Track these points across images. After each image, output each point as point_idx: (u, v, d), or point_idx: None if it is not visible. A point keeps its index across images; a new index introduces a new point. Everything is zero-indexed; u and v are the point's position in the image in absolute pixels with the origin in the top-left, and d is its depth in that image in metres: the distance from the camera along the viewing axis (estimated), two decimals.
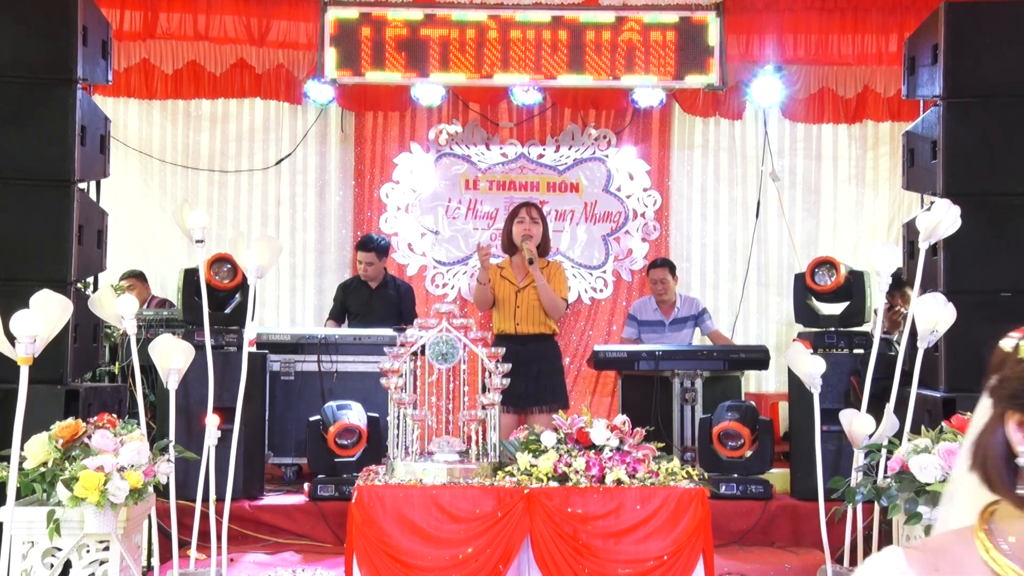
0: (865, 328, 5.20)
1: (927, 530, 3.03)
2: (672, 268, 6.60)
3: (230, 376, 4.46)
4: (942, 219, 3.55)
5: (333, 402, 4.88)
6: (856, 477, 3.56)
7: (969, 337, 3.92)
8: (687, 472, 3.51)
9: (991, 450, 1.13)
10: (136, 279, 6.66)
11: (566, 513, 3.35)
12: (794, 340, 4.54)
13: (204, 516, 3.72)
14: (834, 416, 3.82)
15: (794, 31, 6.97)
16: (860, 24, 6.90)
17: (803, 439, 4.63)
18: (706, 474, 3.78)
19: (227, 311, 4.97)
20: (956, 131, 4.11)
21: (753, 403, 5.12)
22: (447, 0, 6.95)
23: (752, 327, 7.75)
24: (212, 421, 3.63)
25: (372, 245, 6.39)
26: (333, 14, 6.86)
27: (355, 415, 4.78)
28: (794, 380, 4.79)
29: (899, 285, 5.36)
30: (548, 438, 3.53)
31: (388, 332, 5.59)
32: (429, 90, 7.13)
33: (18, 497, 3.00)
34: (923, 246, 3.67)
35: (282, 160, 7.69)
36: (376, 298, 6.38)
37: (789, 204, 7.79)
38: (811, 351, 4.19)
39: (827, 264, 5.16)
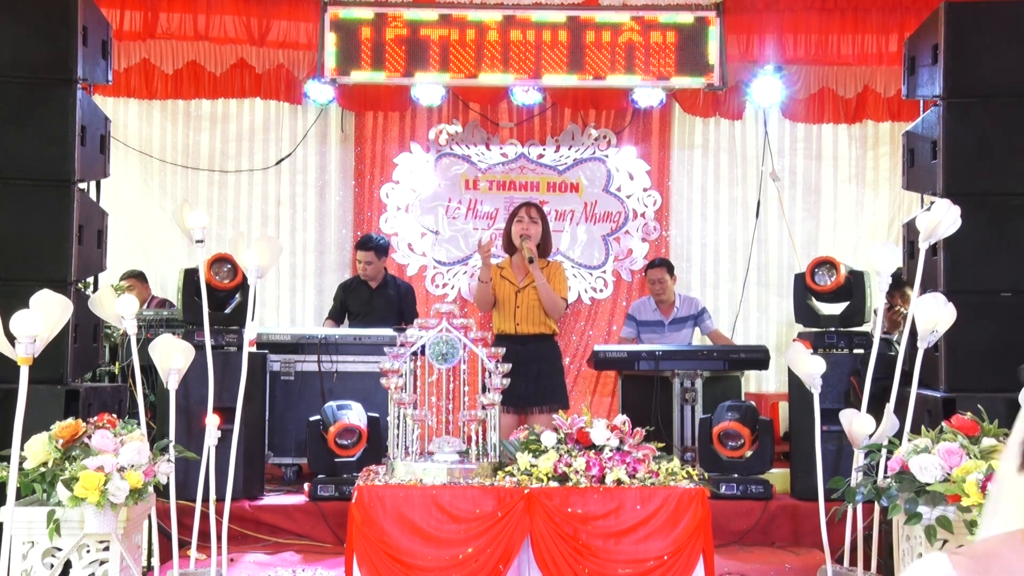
0: (865, 328, 5.20)
1: (928, 530, 3.03)
2: (670, 268, 6.59)
3: (230, 376, 4.46)
4: (942, 219, 3.55)
5: (333, 402, 4.88)
6: (856, 477, 3.56)
7: (969, 337, 3.93)
8: (687, 472, 3.51)
9: None
10: (136, 279, 6.67)
11: (566, 513, 3.35)
12: (794, 340, 4.54)
13: (204, 516, 3.72)
14: (834, 416, 3.82)
15: (794, 31, 6.98)
16: (860, 24, 6.90)
17: (803, 439, 4.63)
18: (706, 474, 3.78)
19: (227, 311, 4.97)
20: (956, 131, 4.11)
21: (753, 403, 5.12)
22: (447, 0, 6.96)
23: (752, 327, 7.75)
24: (212, 421, 3.63)
25: (371, 244, 6.39)
26: (333, 14, 6.87)
27: (355, 415, 4.78)
28: (794, 380, 4.79)
29: (899, 285, 5.36)
30: (548, 438, 3.53)
31: (388, 332, 5.59)
32: (429, 90, 7.14)
33: (18, 497, 3.00)
34: (923, 246, 3.67)
35: (282, 160, 7.69)
36: (376, 298, 6.39)
37: (789, 204, 7.79)
38: (811, 351, 4.19)
39: (827, 264, 5.16)
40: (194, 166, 7.66)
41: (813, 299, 5.17)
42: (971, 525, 2.92)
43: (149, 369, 3.92)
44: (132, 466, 3.05)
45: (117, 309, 3.52)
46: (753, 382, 7.42)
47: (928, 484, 3.05)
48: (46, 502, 3.02)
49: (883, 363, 4.06)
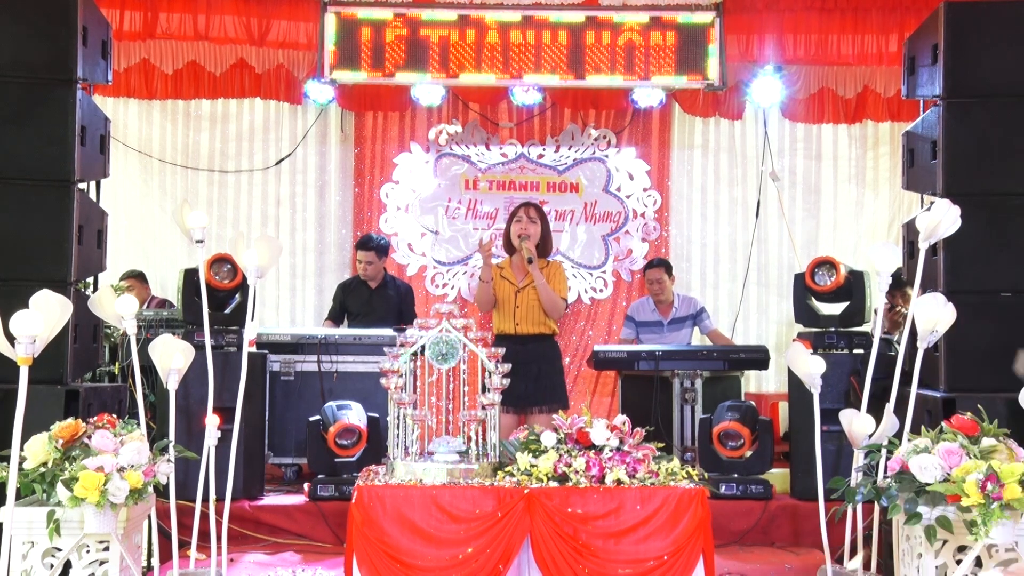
0: (865, 328, 5.20)
1: (927, 530, 3.03)
2: (668, 268, 6.60)
3: (230, 376, 4.46)
4: (942, 219, 3.55)
5: (333, 402, 4.88)
6: (856, 477, 3.56)
7: (969, 337, 3.93)
8: (687, 472, 3.51)
9: None
10: (136, 279, 6.67)
11: (566, 513, 3.36)
12: (794, 340, 4.54)
13: (204, 516, 3.72)
14: (834, 416, 3.82)
15: (794, 31, 6.98)
16: (860, 24, 6.90)
17: (803, 439, 4.63)
18: (706, 474, 3.78)
19: (227, 311, 4.97)
20: (956, 131, 4.10)
21: (753, 403, 5.12)
22: (447, 1, 6.96)
23: (752, 327, 7.75)
24: (212, 421, 3.63)
25: (371, 244, 6.39)
26: (333, 14, 6.87)
27: (355, 415, 4.78)
28: (794, 380, 4.79)
29: (899, 285, 5.36)
30: (548, 438, 3.53)
31: (388, 332, 5.59)
32: (429, 90, 7.14)
33: (18, 497, 3.00)
34: (923, 246, 3.67)
35: (282, 160, 7.69)
36: (376, 298, 6.39)
37: (789, 204, 7.79)
38: (811, 351, 4.19)
39: (827, 264, 5.16)
40: (194, 166, 7.67)
41: (813, 299, 5.17)
42: (971, 525, 2.92)
43: (149, 369, 3.92)
44: (132, 466, 3.05)
45: (117, 309, 3.52)
46: (753, 382, 7.42)
47: (928, 484, 3.05)
48: (46, 502, 3.02)
49: (883, 363, 4.06)
